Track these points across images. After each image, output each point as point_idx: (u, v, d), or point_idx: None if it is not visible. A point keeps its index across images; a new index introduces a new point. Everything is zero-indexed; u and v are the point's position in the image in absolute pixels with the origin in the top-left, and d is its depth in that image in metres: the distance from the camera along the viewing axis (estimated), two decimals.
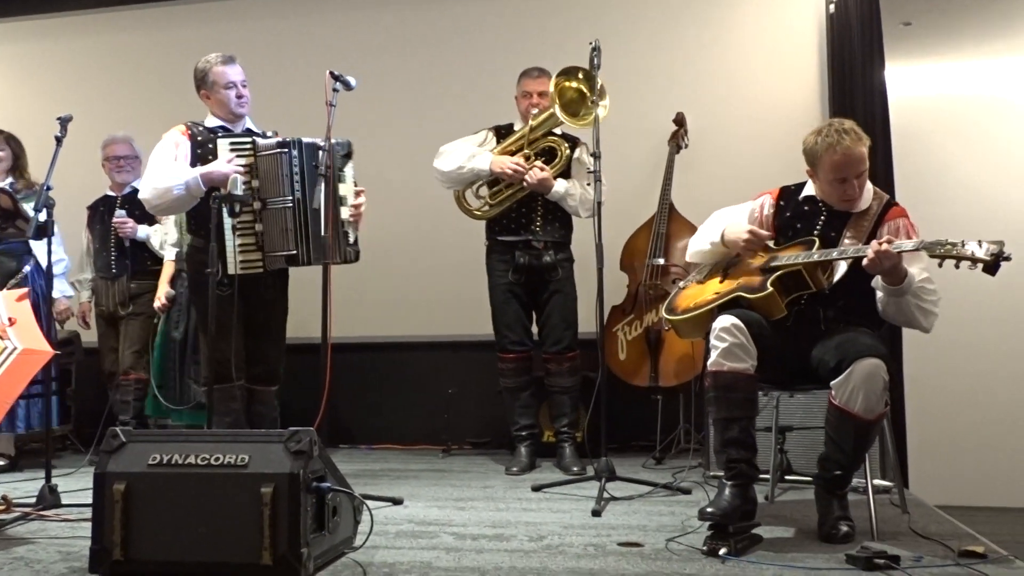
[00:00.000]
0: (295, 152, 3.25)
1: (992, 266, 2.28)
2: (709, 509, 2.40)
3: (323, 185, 3.15)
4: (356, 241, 3.36)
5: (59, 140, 3.25)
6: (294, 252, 3.22)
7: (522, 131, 3.87)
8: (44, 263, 4.13)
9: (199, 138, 3.33)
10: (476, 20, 4.98)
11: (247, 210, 3.24)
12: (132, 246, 4.30)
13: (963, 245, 2.30)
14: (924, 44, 4.69)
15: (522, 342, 3.93)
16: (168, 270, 4.26)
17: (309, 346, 3.67)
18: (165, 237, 4.32)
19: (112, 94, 5.28)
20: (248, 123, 3.50)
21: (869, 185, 2.72)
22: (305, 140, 3.28)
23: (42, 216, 3.16)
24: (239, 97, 3.39)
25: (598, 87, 3.50)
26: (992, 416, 4.44)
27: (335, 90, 3.22)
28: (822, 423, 2.58)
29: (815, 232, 2.69)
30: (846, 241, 2.64)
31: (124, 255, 4.32)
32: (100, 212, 4.44)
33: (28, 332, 2.87)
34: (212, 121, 3.43)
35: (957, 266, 2.32)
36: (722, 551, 2.33)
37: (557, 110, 3.67)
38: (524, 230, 3.87)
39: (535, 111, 3.83)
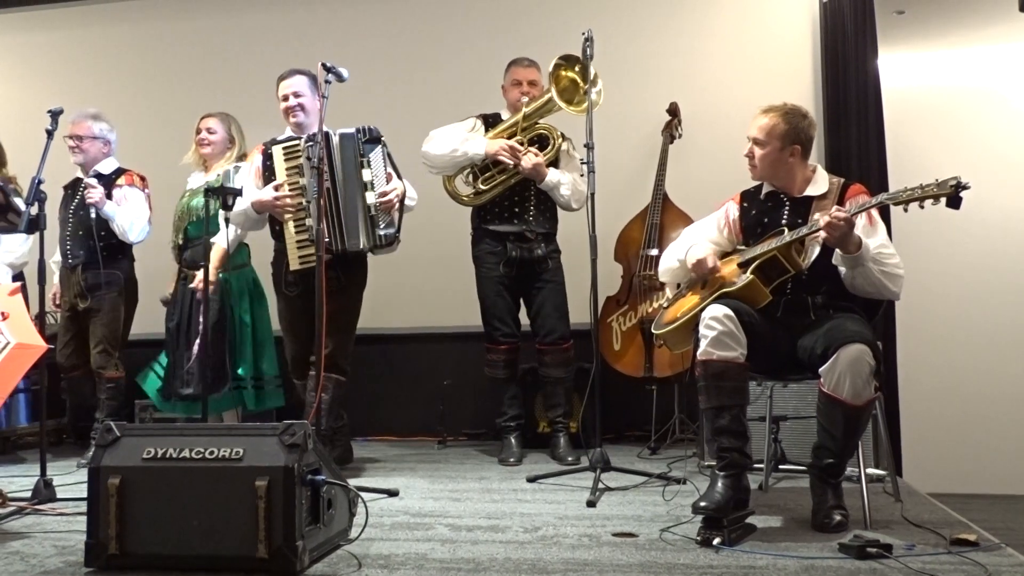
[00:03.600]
0: (321, 143, 3.31)
1: (954, 198, 2.33)
2: (702, 503, 2.41)
3: (316, 178, 3.20)
4: (390, 226, 3.42)
5: (50, 133, 3.23)
6: (327, 239, 3.30)
7: (516, 117, 3.85)
8: (11, 259, 4.13)
9: (267, 151, 3.54)
10: (468, 8, 4.97)
11: (299, 207, 3.37)
12: (87, 234, 4.02)
13: (922, 187, 2.37)
14: (917, 32, 4.68)
15: (513, 334, 3.93)
16: (218, 253, 3.88)
17: None
18: (132, 224, 4.04)
19: (101, 86, 5.24)
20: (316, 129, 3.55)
21: (823, 172, 2.81)
22: (331, 131, 3.38)
23: (34, 210, 3.13)
24: (287, 109, 3.55)
25: (591, 75, 3.51)
26: (985, 404, 4.47)
27: (327, 82, 3.20)
28: (815, 413, 2.60)
29: (782, 223, 2.74)
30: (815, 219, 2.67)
31: (78, 243, 4.07)
32: (68, 195, 4.19)
33: (22, 326, 2.86)
34: (287, 131, 3.61)
35: (922, 206, 2.39)
36: (716, 541, 2.34)
37: (554, 94, 3.66)
38: (518, 219, 3.86)
39: (525, 99, 3.82)
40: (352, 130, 3.41)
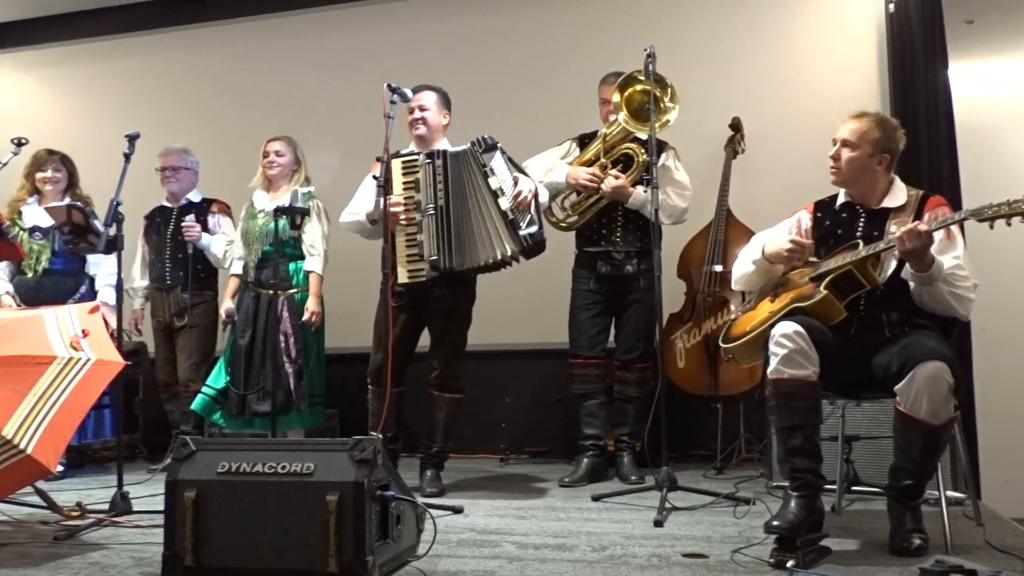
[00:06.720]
0: (439, 161, 3.42)
1: None
2: (775, 522, 2.36)
3: (431, 194, 3.34)
4: (532, 223, 3.36)
5: (127, 157, 3.34)
6: (435, 257, 3.37)
7: (598, 141, 3.85)
8: (103, 280, 4.27)
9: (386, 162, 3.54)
10: (532, 29, 5.00)
11: (412, 221, 3.40)
12: (185, 257, 4.29)
13: (1009, 203, 2.29)
14: (987, 42, 4.57)
15: (589, 347, 3.88)
16: (232, 284, 4.29)
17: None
18: (229, 247, 4.34)
19: (167, 112, 5.41)
20: (443, 143, 3.64)
21: (900, 183, 2.74)
22: (449, 150, 3.46)
23: (112, 230, 3.26)
24: (411, 122, 3.63)
25: (669, 87, 3.53)
26: None
27: (392, 102, 3.27)
28: (889, 432, 2.53)
29: (857, 235, 2.68)
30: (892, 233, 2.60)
31: (178, 266, 4.34)
32: (156, 223, 4.48)
33: (101, 343, 2.94)
34: (411, 146, 3.69)
35: (1008, 223, 2.31)
36: (789, 563, 2.29)
37: (622, 118, 3.65)
38: (605, 241, 3.84)
39: (612, 118, 3.78)
40: (466, 146, 3.43)
